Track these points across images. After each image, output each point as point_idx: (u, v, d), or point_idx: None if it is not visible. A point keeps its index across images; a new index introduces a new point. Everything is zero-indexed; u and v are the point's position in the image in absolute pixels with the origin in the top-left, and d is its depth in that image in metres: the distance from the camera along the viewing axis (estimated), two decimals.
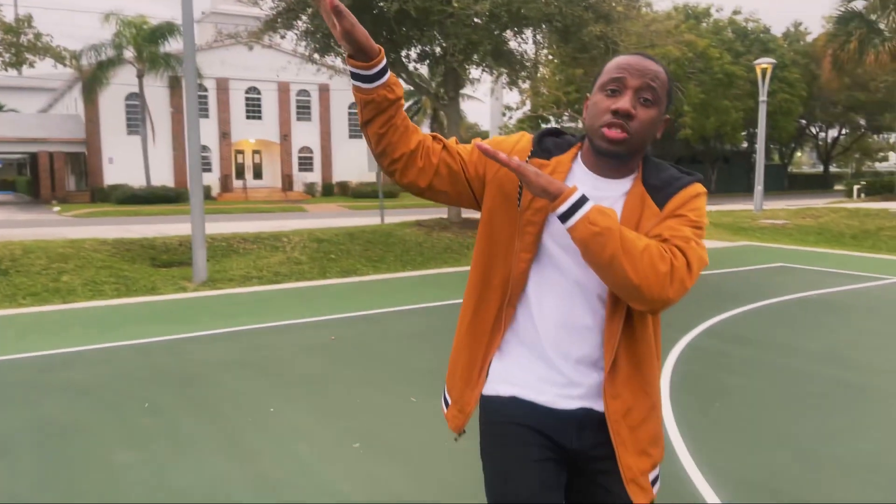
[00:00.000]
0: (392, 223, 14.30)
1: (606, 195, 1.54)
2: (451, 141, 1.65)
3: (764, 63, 18.94)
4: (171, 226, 18.77)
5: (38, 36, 15.31)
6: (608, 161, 1.54)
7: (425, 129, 50.98)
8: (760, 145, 19.39)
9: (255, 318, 7.28)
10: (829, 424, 4.19)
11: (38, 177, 36.75)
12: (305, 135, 39.74)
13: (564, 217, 1.42)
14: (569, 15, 11.63)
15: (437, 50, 13.62)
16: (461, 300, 1.74)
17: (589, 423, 1.58)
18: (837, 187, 49.67)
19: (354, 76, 1.45)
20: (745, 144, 45.28)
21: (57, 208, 29.41)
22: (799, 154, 56.39)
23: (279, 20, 13.14)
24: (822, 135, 49.29)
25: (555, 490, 1.57)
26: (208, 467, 3.60)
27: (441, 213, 15.64)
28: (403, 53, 14.27)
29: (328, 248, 11.50)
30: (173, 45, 31.30)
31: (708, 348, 5.95)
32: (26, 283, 8.74)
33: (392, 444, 3.92)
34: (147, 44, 30.22)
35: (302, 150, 39.84)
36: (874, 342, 6.23)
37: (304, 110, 39.80)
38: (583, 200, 1.42)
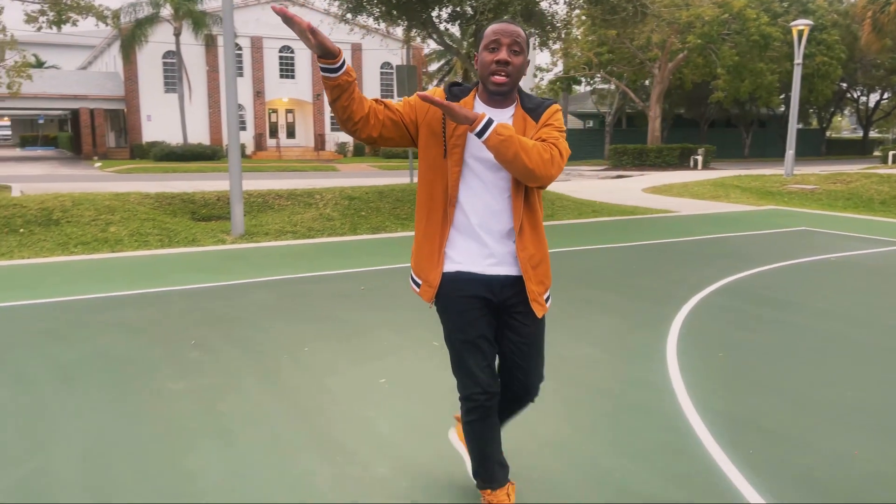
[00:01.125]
0: None
1: (500, 118, 2.32)
2: (390, 101, 2.38)
3: (800, 25, 18.62)
4: (208, 182, 19.32)
5: None
6: (497, 96, 2.35)
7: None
8: (793, 110, 19.19)
9: (291, 269, 7.72)
10: (822, 374, 4.47)
11: (79, 133, 37.65)
12: None
13: (480, 133, 2.17)
14: None
15: (468, 10, 13.74)
16: None
17: (507, 283, 2.47)
18: (877, 153, 48.58)
19: (324, 69, 2.12)
20: (781, 108, 44.41)
21: (98, 164, 30.23)
22: (839, 118, 55.03)
23: None
24: (864, 99, 48.06)
25: (489, 331, 2.50)
26: (250, 397, 4.03)
27: None
28: (434, 13, 14.41)
29: (359, 205, 11.89)
30: (209, 4, 31.57)
31: (718, 305, 6.22)
32: (77, 232, 9.28)
33: (414, 382, 4.32)
34: (184, 2, 30.52)
35: None
36: (885, 302, 6.42)
37: None
38: (490, 121, 2.17)
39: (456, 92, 2.42)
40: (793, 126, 19.34)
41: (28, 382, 4.21)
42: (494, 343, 2.54)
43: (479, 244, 2.42)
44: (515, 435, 3.29)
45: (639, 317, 5.84)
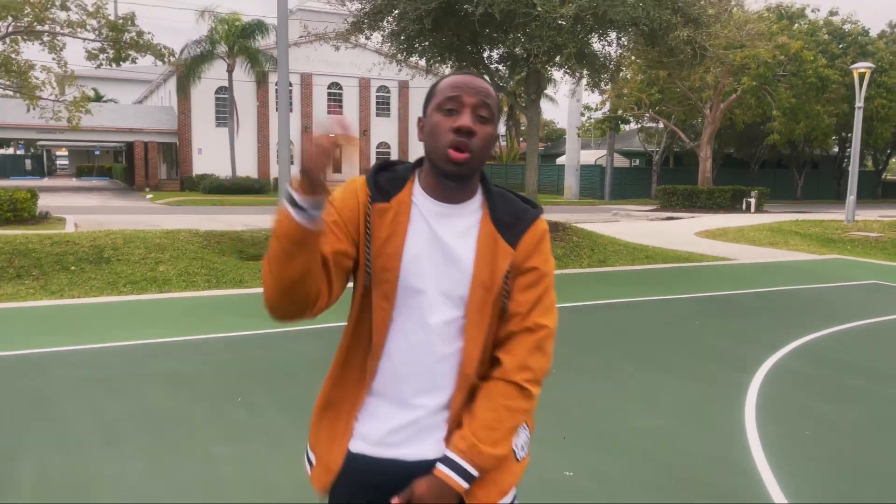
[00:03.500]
0: None
1: (458, 222, 1.54)
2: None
3: (862, 67, 18.06)
4: (256, 216, 19.44)
5: (140, 34, 16.05)
6: (451, 183, 1.52)
7: (501, 127, 50.76)
8: (855, 154, 18.54)
9: (340, 316, 7.48)
10: None
11: (132, 164, 38.65)
12: (384, 130, 40.38)
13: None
14: (656, 18, 11.41)
15: (519, 52, 13.62)
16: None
17: (420, 469, 1.54)
18: None
19: (299, 208, 1.32)
20: (835, 149, 43.29)
21: (149, 196, 30.87)
22: (895, 160, 53.47)
23: (366, 21, 13.39)
24: None
25: None
26: (300, 466, 3.77)
27: None
28: (486, 54, 14.33)
29: None
30: (261, 42, 32.30)
31: (797, 370, 5.79)
32: (126, 271, 9.26)
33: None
34: (239, 40, 31.29)
35: (380, 145, 40.51)
36: None
37: (383, 106, 40.44)
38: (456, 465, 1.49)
39: (384, 184, 1.55)
40: (854, 170, 18.67)
41: (72, 441, 4.02)
42: None
43: (407, 413, 1.55)
44: None
45: (710, 382, 5.44)
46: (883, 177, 47.37)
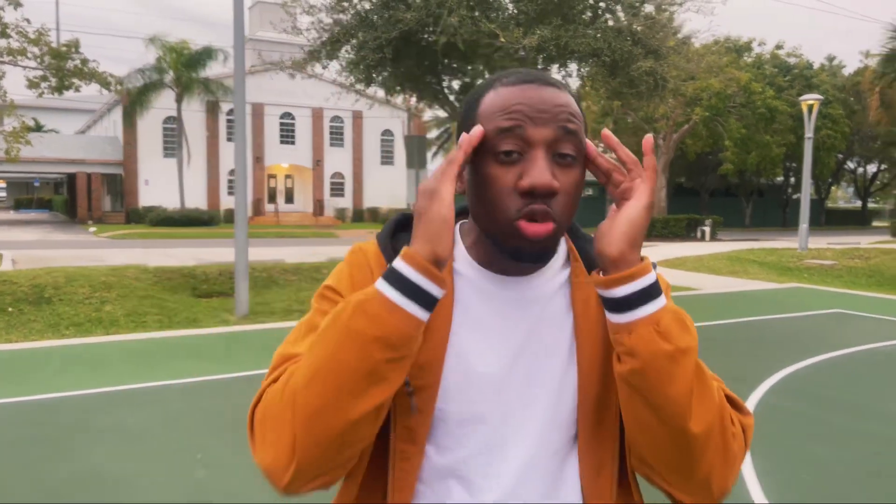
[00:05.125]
0: None
1: (529, 297, 0.97)
2: None
3: (811, 99, 18.57)
4: (206, 250, 18.79)
5: (84, 62, 15.45)
6: (523, 264, 0.96)
7: None
8: (806, 183, 18.96)
9: None
10: None
11: (75, 197, 37.35)
12: (338, 160, 40.02)
13: (626, 306, 0.86)
14: (618, 49, 11.45)
15: (480, 82, 13.54)
16: None
17: None
18: (876, 223, 48.75)
19: (423, 298, 0.83)
20: (780, 178, 44.67)
21: (93, 229, 29.76)
22: (835, 188, 55.46)
23: (323, 50, 13.14)
24: (860, 170, 48.49)
25: None
26: None
27: None
28: (445, 85, 14.21)
29: None
30: (211, 71, 31.76)
31: (783, 408, 5.60)
32: (69, 312, 8.66)
33: None
34: (186, 69, 30.69)
35: (334, 175, 40.10)
36: None
37: (337, 136, 40.13)
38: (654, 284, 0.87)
39: (405, 239, 0.97)
40: (805, 199, 19.07)
41: None
42: None
43: None
44: None
45: None
46: (825, 204, 49.02)
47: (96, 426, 4.94)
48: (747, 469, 4.30)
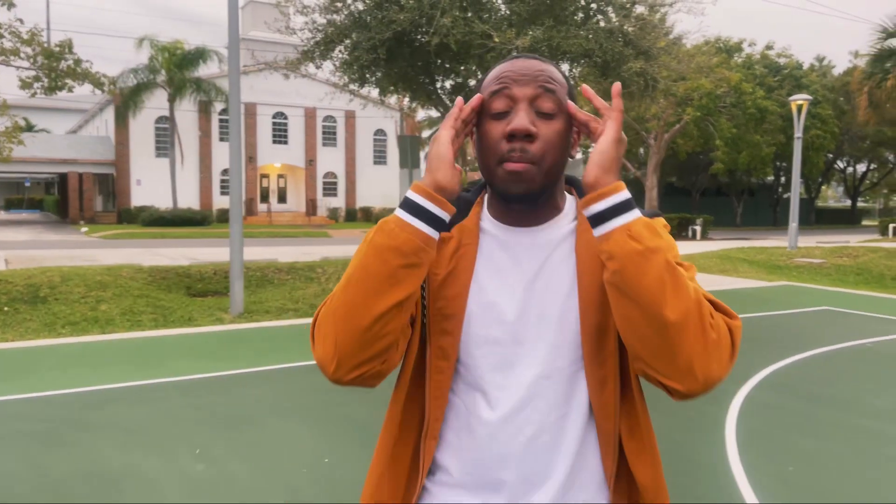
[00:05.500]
0: None
1: (538, 243, 1.17)
2: None
3: (800, 100, 18.74)
4: (199, 249, 18.82)
5: (77, 62, 15.45)
6: (519, 207, 1.17)
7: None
8: (795, 182, 19.14)
9: (297, 355, 7.15)
10: None
11: (66, 197, 37.21)
12: (330, 160, 40.02)
13: (598, 220, 1.04)
14: (609, 50, 11.54)
15: (473, 82, 13.61)
16: None
17: None
18: (865, 222, 49.13)
19: (426, 216, 1.07)
20: (770, 178, 44.95)
21: (84, 229, 29.68)
22: (825, 188, 55.82)
23: (317, 51, 13.18)
24: (850, 169, 48.85)
25: None
26: None
27: None
28: (439, 85, 14.27)
29: None
30: (203, 70, 31.73)
31: (770, 403, 5.72)
32: (65, 311, 8.70)
33: None
34: (179, 69, 30.65)
35: (326, 175, 40.09)
36: None
37: (329, 136, 40.12)
38: (629, 203, 1.04)
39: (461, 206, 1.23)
40: (795, 199, 19.25)
41: None
42: None
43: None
44: None
45: (687, 417, 5.32)
46: (815, 203, 49.35)
47: (95, 422, 5.00)
48: (734, 461, 4.41)
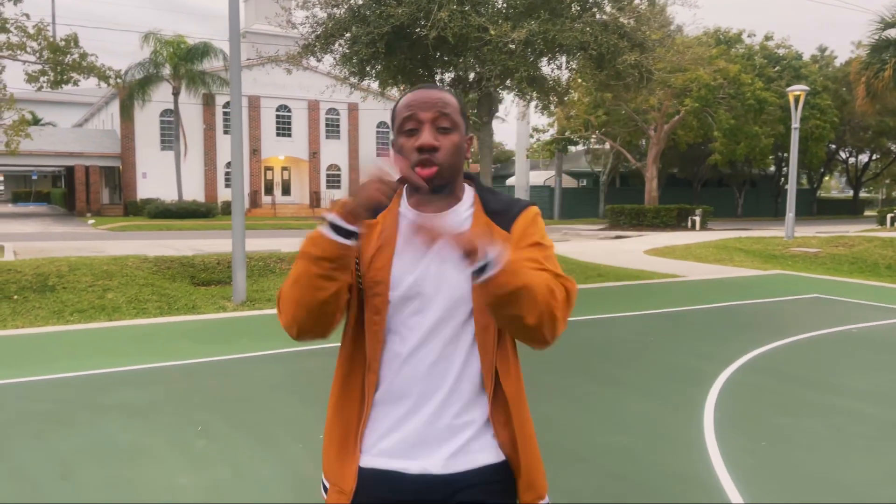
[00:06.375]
0: None
1: (450, 223, 1.56)
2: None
3: (797, 90, 18.86)
4: (204, 241, 19.08)
5: (83, 56, 15.68)
6: (430, 197, 1.58)
7: None
8: (792, 173, 19.28)
9: (295, 341, 7.38)
10: (879, 468, 4.19)
11: (73, 189, 37.54)
12: (334, 152, 40.21)
13: (480, 272, 1.37)
14: (604, 43, 11.72)
15: (472, 75, 13.80)
16: None
17: (468, 482, 1.55)
18: (868, 213, 49.10)
19: (345, 233, 1.41)
20: (772, 168, 44.96)
21: (91, 221, 29.99)
22: (828, 178, 55.76)
23: (317, 44, 13.38)
24: (852, 160, 48.81)
25: None
26: (267, 495, 3.70)
27: None
28: (438, 78, 14.47)
29: None
30: (207, 64, 31.93)
31: (750, 384, 5.95)
32: (73, 299, 8.97)
33: None
34: (183, 62, 30.86)
35: (330, 167, 40.30)
36: None
37: (333, 128, 40.30)
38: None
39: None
40: (792, 189, 19.40)
41: (26, 478, 3.86)
42: None
43: (422, 423, 1.54)
44: None
45: (669, 398, 5.55)
46: (817, 194, 49.34)
47: (101, 403, 5.26)
48: (709, 437, 4.64)
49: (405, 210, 1.61)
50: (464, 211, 1.60)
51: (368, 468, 1.57)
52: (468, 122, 1.63)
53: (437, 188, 1.54)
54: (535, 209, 1.62)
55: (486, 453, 1.57)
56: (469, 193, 1.63)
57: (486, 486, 1.56)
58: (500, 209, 1.60)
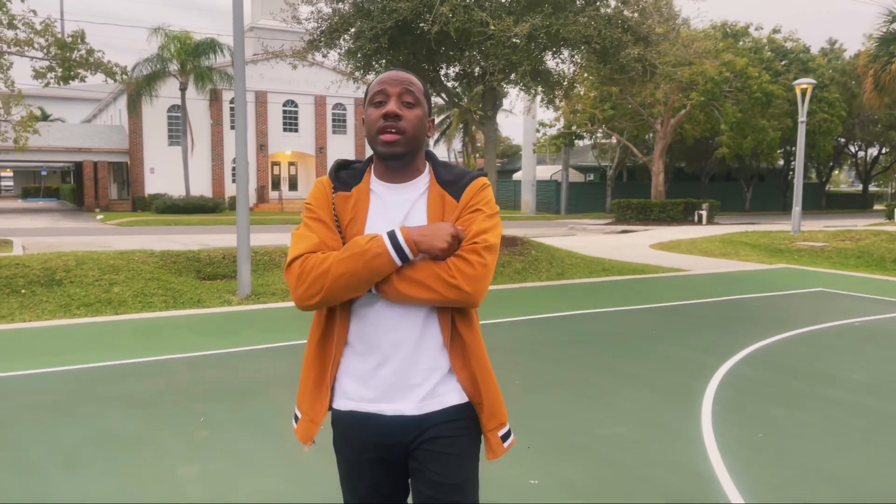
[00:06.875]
0: None
1: (406, 198, 1.81)
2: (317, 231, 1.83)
3: (803, 83, 18.76)
4: (211, 236, 19.19)
5: (90, 52, 15.77)
6: (394, 165, 1.80)
7: (457, 143, 50.40)
8: (799, 167, 19.21)
9: (298, 334, 7.46)
10: (874, 459, 4.21)
11: (82, 185, 37.75)
12: (341, 147, 40.25)
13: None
14: (607, 37, 11.70)
15: (476, 70, 13.80)
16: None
17: (435, 421, 1.81)
18: (877, 207, 48.79)
19: (404, 257, 1.71)
20: (780, 162, 44.72)
21: (100, 216, 30.18)
22: (837, 172, 55.43)
23: (322, 39, 13.42)
24: (861, 153, 48.50)
25: (395, 491, 1.92)
26: (267, 485, 3.76)
27: None
28: (442, 72, 14.48)
29: None
30: (215, 60, 32.01)
31: (749, 376, 5.97)
32: (80, 293, 9.05)
33: None
34: (191, 58, 30.96)
35: None
36: None
37: (339, 123, 40.36)
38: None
39: (344, 178, 1.85)
40: (799, 183, 19.33)
41: (30, 467, 3.93)
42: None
43: (393, 371, 1.78)
44: None
45: (667, 389, 5.58)
46: (826, 188, 49.05)
47: (106, 394, 5.33)
48: (706, 427, 4.67)
49: (374, 184, 1.84)
50: (423, 185, 1.84)
51: (347, 411, 1.83)
52: (431, 105, 1.87)
53: (398, 155, 1.77)
54: (483, 180, 1.84)
55: (452, 395, 1.82)
56: (428, 168, 1.88)
57: (454, 423, 1.81)
58: (451, 179, 1.83)
